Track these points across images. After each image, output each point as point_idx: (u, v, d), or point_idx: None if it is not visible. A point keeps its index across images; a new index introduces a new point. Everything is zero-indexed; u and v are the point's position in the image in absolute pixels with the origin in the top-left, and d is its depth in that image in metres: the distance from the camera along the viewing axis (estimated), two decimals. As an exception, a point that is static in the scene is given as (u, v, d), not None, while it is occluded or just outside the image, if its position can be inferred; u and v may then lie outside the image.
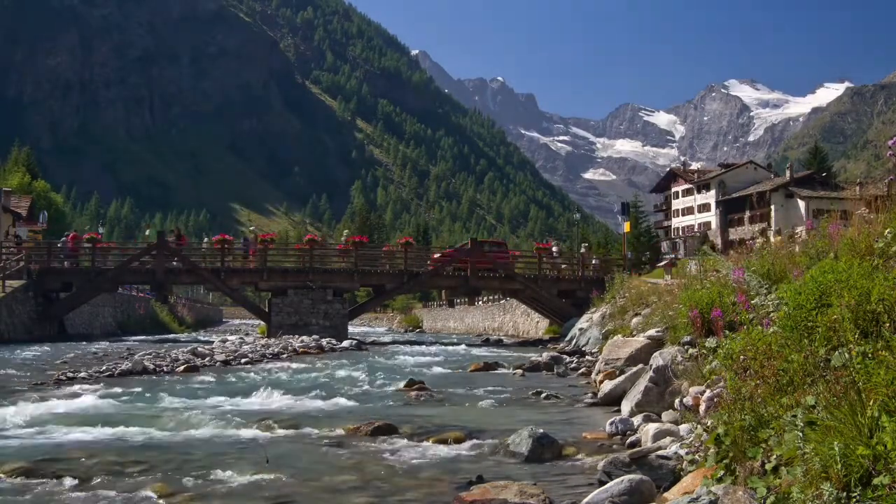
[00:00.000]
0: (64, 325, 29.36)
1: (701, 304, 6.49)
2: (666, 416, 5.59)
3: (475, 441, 5.57)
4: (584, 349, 16.03)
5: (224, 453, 5.22)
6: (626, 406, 6.53)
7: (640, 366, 7.64)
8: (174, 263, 29.07)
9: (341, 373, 12.09)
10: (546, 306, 32.03)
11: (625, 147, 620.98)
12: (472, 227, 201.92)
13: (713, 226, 66.92)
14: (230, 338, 24.05)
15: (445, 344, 25.31)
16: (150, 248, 29.80)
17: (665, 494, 3.52)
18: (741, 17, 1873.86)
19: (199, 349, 16.33)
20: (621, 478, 3.64)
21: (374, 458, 5.09)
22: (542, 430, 5.23)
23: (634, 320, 11.86)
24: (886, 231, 4.91)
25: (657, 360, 6.54)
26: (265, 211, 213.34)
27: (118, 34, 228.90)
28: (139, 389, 9.28)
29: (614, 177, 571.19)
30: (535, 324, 36.83)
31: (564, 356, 14.45)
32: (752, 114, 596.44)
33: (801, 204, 56.54)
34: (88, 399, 8.14)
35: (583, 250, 35.70)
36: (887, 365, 2.90)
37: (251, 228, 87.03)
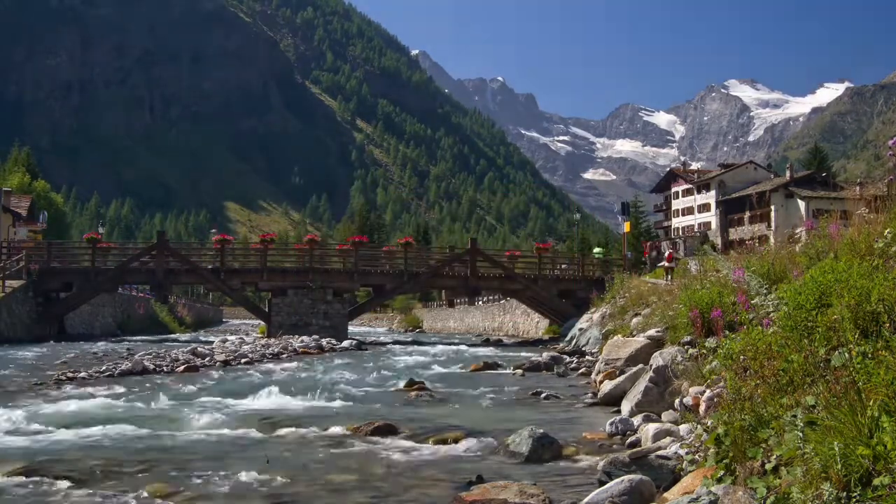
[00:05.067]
0: (64, 325, 29.35)
1: (701, 304, 6.49)
2: (666, 416, 5.59)
3: (475, 441, 5.56)
4: (584, 349, 16.03)
5: (224, 453, 5.22)
6: (626, 406, 6.53)
7: (640, 366, 7.64)
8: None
9: (341, 373, 12.09)
10: (546, 306, 32.03)
11: (625, 147, 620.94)
12: (472, 227, 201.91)
13: (713, 226, 66.87)
14: (230, 338, 24.05)
15: (445, 344, 25.30)
16: (150, 248, 29.81)
17: (665, 494, 3.51)
18: (741, 17, 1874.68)
19: (199, 349, 16.33)
20: (621, 478, 3.64)
21: (374, 458, 5.09)
22: (542, 430, 5.23)
23: (634, 320, 11.85)
24: (886, 231, 4.91)
25: (657, 360, 6.54)
26: (265, 211, 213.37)
27: (118, 34, 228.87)
28: (139, 389, 9.28)
29: (614, 177, 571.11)
30: (535, 324, 36.83)
31: (564, 356, 14.46)
32: (752, 114, 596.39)
33: (801, 204, 56.51)
34: (88, 399, 8.15)
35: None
36: (887, 365, 2.90)
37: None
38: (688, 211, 71.49)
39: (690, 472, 3.64)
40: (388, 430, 6.05)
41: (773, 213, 58.73)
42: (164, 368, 12.33)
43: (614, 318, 14.94)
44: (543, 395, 8.60)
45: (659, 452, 4.11)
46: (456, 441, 5.62)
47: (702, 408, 4.67)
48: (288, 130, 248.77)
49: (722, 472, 3.27)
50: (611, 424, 5.78)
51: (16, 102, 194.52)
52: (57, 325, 28.45)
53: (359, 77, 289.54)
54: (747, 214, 62.39)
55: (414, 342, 27.43)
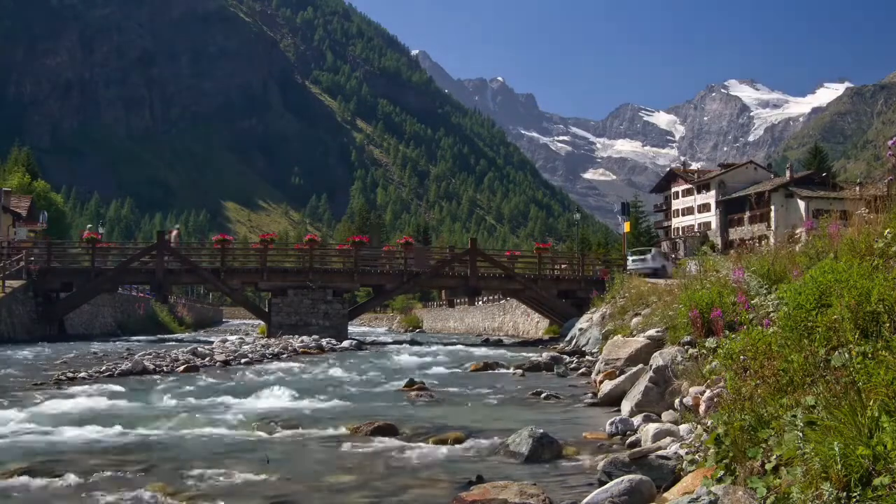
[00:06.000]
0: (64, 325, 29.34)
1: (701, 304, 6.49)
2: (666, 416, 5.59)
3: (475, 441, 5.56)
4: (584, 349, 16.02)
5: (224, 453, 5.21)
6: (626, 406, 6.53)
7: (640, 366, 7.64)
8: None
9: (341, 373, 12.09)
10: (546, 306, 32.03)
11: (625, 147, 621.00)
12: (472, 227, 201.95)
13: (713, 226, 66.93)
14: (230, 338, 24.04)
15: (445, 344, 25.30)
16: (150, 248, 29.80)
17: (665, 494, 3.51)
18: (741, 17, 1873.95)
19: (199, 349, 16.32)
20: (621, 478, 3.64)
21: (374, 458, 5.08)
22: (542, 430, 5.23)
23: (634, 320, 11.85)
24: (886, 231, 4.91)
25: (657, 360, 6.54)
26: (265, 211, 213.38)
27: (118, 34, 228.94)
28: (139, 389, 9.28)
29: (614, 177, 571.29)
30: (535, 324, 36.83)
31: (564, 356, 14.45)
32: (752, 114, 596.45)
33: (801, 204, 56.57)
34: (88, 399, 8.14)
35: None
36: (887, 365, 2.91)
37: None
38: (688, 211, 71.55)
39: (690, 472, 3.64)
40: (388, 430, 6.05)
41: (772, 213, 58.80)
42: (164, 368, 12.32)
43: (614, 318, 14.93)
44: (543, 395, 8.60)
45: (659, 452, 4.11)
46: (456, 441, 5.61)
47: (702, 408, 4.67)
48: (288, 130, 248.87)
49: (722, 472, 3.27)
50: (611, 424, 5.78)
51: (16, 102, 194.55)
52: (57, 325, 28.44)
53: (359, 77, 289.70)
54: (747, 214, 62.45)
55: (414, 342, 27.42)
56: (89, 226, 50.51)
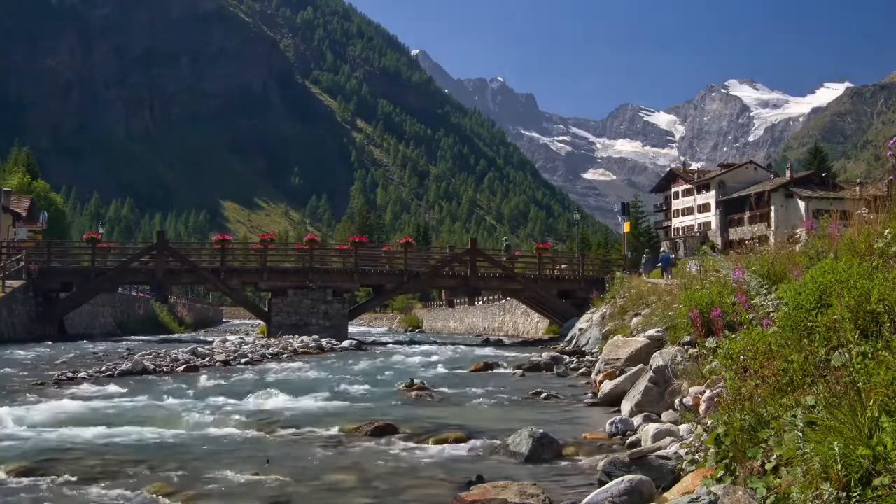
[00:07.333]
0: (64, 325, 29.34)
1: (701, 304, 6.49)
2: (666, 416, 5.59)
3: (475, 441, 5.56)
4: (584, 349, 16.02)
5: (224, 453, 5.22)
6: (626, 406, 6.53)
7: (640, 366, 7.64)
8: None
9: (341, 373, 12.09)
10: (546, 306, 32.03)
11: (625, 147, 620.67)
12: (472, 227, 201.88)
13: (713, 226, 66.88)
14: (230, 338, 24.04)
15: (445, 344, 25.29)
16: (149, 248, 29.80)
17: (665, 494, 3.51)
18: (741, 17, 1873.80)
19: (199, 349, 16.33)
20: (621, 478, 3.64)
21: (374, 458, 5.09)
22: (542, 430, 5.23)
23: (634, 320, 11.85)
24: (886, 231, 4.91)
25: (657, 360, 6.54)
26: (264, 211, 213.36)
27: (118, 34, 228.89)
28: (139, 389, 9.28)
29: (614, 177, 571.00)
30: (535, 324, 36.83)
31: (564, 356, 14.45)
32: (751, 114, 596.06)
33: (801, 204, 56.53)
34: (88, 399, 8.15)
35: None
36: (887, 365, 2.91)
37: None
38: (688, 211, 71.49)
39: (690, 472, 3.64)
40: (388, 430, 6.05)
41: (772, 213, 58.76)
42: (164, 368, 12.33)
43: (614, 318, 14.94)
44: (543, 395, 8.60)
45: (659, 452, 4.11)
46: (456, 441, 5.62)
47: (702, 408, 4.67)
48: (288, 130, 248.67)
49: (722, 472, 3.27)
50: (611, 424, 5.78)
51: (16, 102, 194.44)
52: (57, 325, 28.43)
53: (359, 77, 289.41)
54: (747, 214, 62.41)
55: (414, 342, 27.42)
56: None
